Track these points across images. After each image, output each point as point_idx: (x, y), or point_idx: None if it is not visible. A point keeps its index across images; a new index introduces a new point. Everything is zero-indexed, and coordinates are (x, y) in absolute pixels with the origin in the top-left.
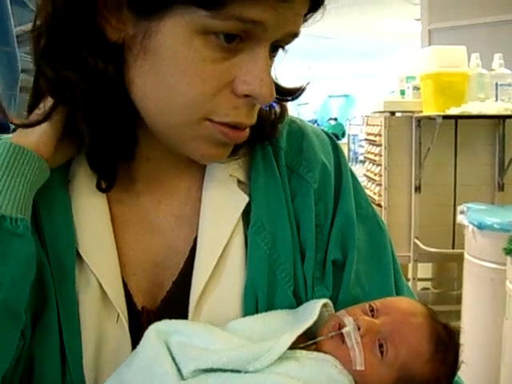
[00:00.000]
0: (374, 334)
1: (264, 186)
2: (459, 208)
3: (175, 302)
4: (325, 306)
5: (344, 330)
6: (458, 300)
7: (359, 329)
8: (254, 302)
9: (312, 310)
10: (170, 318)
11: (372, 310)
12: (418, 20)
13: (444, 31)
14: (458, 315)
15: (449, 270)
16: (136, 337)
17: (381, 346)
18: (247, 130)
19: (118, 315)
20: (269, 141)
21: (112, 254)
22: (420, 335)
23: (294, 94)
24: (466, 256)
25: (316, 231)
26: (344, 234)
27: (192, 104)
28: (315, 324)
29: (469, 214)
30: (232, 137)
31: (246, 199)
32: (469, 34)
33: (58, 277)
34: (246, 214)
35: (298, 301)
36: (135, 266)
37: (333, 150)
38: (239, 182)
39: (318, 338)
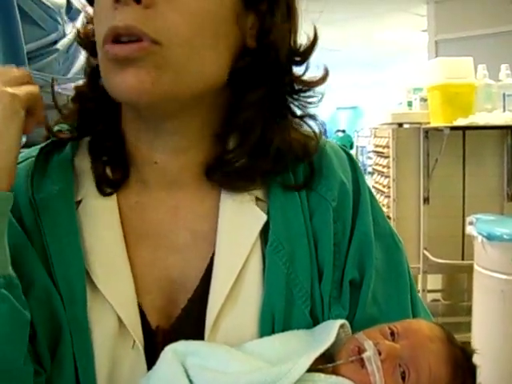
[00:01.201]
0: (395, 358)
1: (282, 204)
2: (468, 219)
3: (190, 320)
4: (342, 326)
5: (364, 355)
6: (468, 311)
7: (380, 353)
8: (271, 321)
9: (329, 331)
10: (185, 336)
11: (392, 334)
12: (424, 31)
13: (451, 42)
14: (468, 327)
15: (458, 282)
16: (150, 357)
17: (402, 371)
18: (138, 44)
19: (134, 341)
20: None
21: (126, 278)
22: (440, 360)
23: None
24: (476, 267)
25: (334, 250)
26: (361, 254)
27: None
28: (332, 345)
29: (478, 225)
30: (115, 51)
31: (264, 218)
32: (475, 45)
33: (68, 304)
34: (264, 232)
35: (314, 320)
36: (150, 283)
37: (351, 168)
38: (257, 199)
39: (338, 362)
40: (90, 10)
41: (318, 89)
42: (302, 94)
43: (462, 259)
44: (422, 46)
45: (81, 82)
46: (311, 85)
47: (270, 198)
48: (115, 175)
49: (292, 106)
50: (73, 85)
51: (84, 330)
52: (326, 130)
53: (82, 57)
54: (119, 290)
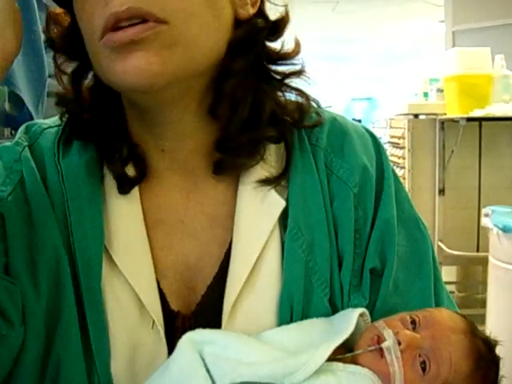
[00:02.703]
0: (415, 349)
1: (302, 190)
2: (483, 211)
3: (210, 307)
4: (361, 315)
5: (384, 345)
6: (483, 304)
7: (399, 343)
8: (289, 310)
9: (349, 320)
10: (205, 322)
11: (412, 323)
12: (441, 22)
13: (468, 33)
14: (482, 319)
15: (473, 274)
16: (170, 339)
17: (422, 362)
18: (140, 26)
19: (154, 322)
20: (308, 141)
21: (146, 256)
22: (461, 352)
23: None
24: (491, 259)
25: (354, 237)
26: (383, 242)
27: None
28: (352, 334)
29: (493, 217)
30: (118, 37)
31: (283, 204)
32: (493, 35)
33: (84, 275)
34: (283, 219)
35: (333, 309)
36: (167, 268)
37: (375, 151)
38: (277, 184)
39: (356, 352)
40: (53, 10)
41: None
42: (281, 62)
43: (477, 251)
44: (439, 37)
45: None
46: (284, 56)
47: (290, 183)
48: (131, 173)
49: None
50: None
51: (98, 302)
52: (316, 102)
53: None
54: (138, 269)
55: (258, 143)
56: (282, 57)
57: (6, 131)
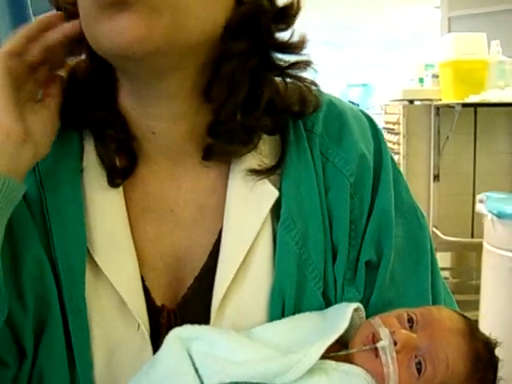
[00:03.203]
0: (411, 350)
1: (296, 179)
2: (478, 197)
3: (197, 299)
4: (356, 310)
5: (379, 345)
6: (477, 290)
7: (395, 343)
8: (281, 303)
9: (343, 315)
10: (191, 316)
11: (410, 321)
12: (437, 8)
13: (464, 18)
14: (476, 305)
15: (468, 260)
16: (155, 337)
17: (418, 363)
18: None
19: (139, 325)
20: (304, 126)
21: (129, 255)
22: (459, 354)
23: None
24: (485, 245)
25: (350, 228)
26: (380, 232)
27: None
28: (346, 330)
29: (488, 203)
30: None
31: (275, 194)
32: (489, 21)
33: (67, 282)
34: (276, 209)
35: (327, 302)
36: (156, 260)
37: (373, 137)
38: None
39: (351, 350)
40: None
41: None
42: (286, 52)
43: (472, 237)
44: (435, 23)
45: None
46: (290, 48)
47: (284, 172)
48: (124, 163)
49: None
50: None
51: (81, 310)
52: (316, 85)
53: None
54: (121, 268)
55: (252, 131)
56: (289, 47)
57: None
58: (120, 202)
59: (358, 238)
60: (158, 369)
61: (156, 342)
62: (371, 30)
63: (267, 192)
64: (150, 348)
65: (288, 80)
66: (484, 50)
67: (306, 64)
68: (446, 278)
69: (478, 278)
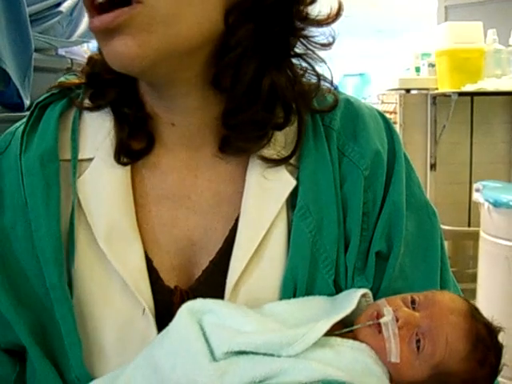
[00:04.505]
0: (413, 327)
1: (313, 170)
2: (475, 186)
3: (211, 282)
4: (364, 295)
5: (382, 320)
6: (474, 278)
7: (397, 320)
8: (293, 289)
9: (351, 299)
10: (205, 297)
11: (413, 302)
12: None
13: (460, 7)
14: (473, 293)
15: (464, 249)
16: (167, 316)
17: (418, 340)
18: (114, 12)
19: (144, 308)
20: (322, 122)
21: (134, 239)
22: (458, 333)
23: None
24: (482, 234)
25: (362, 220)
26: (391, 225)
27: None
28: (353, 313)
29: (484, 192)
30: (95, 24)
31: (293, 183)
32: (485, 10)
33: (47, 274)
34: (292, 198)
35: (337, 290)
36: (169, 243)
37: (387, 135)
38: (288, 163)
39: (355, 326)
40: None
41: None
42: (307, 34)
43: (469, 226)
44: (431, 12)
45: (85, 46)
46: (317, 23)
47: (301, 163)
48: (137, 145)
49: (296, 49)
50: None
51: (60, 298)
52: (333, 84)
53: (86, 20)
54: (126, 254)
55: (264, 125)
56: (312, 23)
57: None
58: (127, 187)
59: (369, 230)
60: (170, 337)
61: (168, 321)
62: (368, 19)
63: (285, 181)
64: (155, 333)
65: (304, 80)
66: (480, 39)
67: (325, 45)
68: None
69: (475, 266)
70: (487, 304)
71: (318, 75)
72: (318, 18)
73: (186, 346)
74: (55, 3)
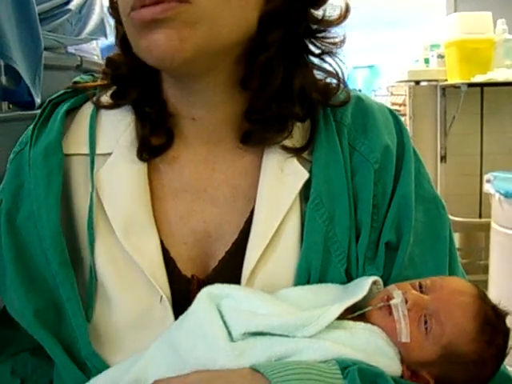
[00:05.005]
0: (421, 308)
1: (325, 163)
2: (485, 177)
3: (227, 272)
4: (375, 283)
5: (392, 302)
6: (485, 270)
7: (407, 302)
8: (307, 277)
9: (362, 285)
10: None
11: (421, 287)
12: None
13: None
14: (485, 285)
15: (476, 240)
16: (184, 303)
17: (426, 322)
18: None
19: (161, 296)
20: (333, 117)
21: (150, 230)
22: (466, 314)
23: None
24: (493, 225)
25: (372, 211)
26: (400, 216)
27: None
28: (364, 300)
29: (495, 183)
30: (142, 14)
31: (306, 175)
32: (495, 0)
33: (50, 261)
34: (305, 190)
35: (349, 279)
36: (186, 235)
37: (396, 130)
38: (301, 156)
39: (366, 309)
40: None
41: (340, 31)
42: (320, 35)
43: (480, 217)
44: (440, 3)
45: (94, 43)
46: (329, 24)
47: (314, 156)
48: (156, 141)
49: (313, 49)
50: (85, 45)
51: (62, 282)
52: (345, 82)
53: (95, 17)
54: (143, 245)
55: (286, 118)
56: (325, 25)
57: (4, 105)
58: (144, 181)
59: (379, 222)
60: (189, 321)
61: (185, 309)
62: (376, 11)
63: (298, 173)
64: (172, 319)
65: (319, 77)
66: (490, 29)
67: (336, 44)
68: None
69: (487, 257)
70: (499, 295)
71: (338, 75)
72: (332, 18)
73: (205, 328)
74: (64, 1)
